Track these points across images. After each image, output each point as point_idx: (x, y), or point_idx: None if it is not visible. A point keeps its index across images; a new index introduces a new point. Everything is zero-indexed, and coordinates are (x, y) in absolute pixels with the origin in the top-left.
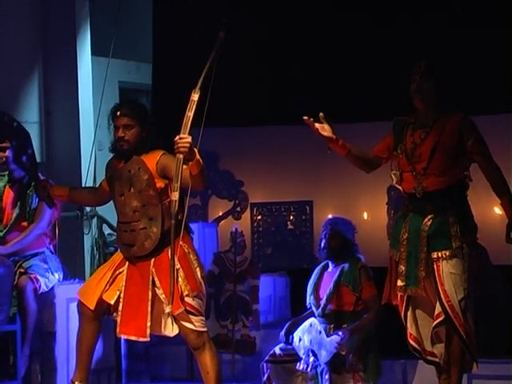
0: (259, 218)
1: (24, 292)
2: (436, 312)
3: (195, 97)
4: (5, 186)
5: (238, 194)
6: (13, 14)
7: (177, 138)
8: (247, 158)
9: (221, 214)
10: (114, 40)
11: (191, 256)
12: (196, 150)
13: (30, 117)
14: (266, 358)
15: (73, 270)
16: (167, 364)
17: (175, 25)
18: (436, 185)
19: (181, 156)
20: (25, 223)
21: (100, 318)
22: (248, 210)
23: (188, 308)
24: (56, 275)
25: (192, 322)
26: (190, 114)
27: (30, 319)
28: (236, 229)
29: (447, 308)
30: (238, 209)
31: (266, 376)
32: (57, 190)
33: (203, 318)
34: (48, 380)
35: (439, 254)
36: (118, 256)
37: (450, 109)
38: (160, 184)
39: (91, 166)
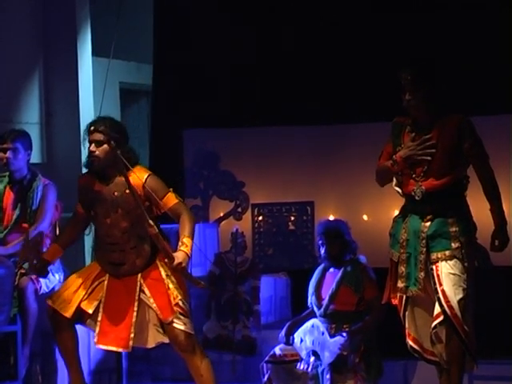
0: (260, 218)
1: (25, 293)
2: (435, 312)
3: (154, 230)
4: (5, 187)
5: (239, 194)
6: (13, 14)
7: (171, 265)
8: (248, 159)
9: (222, 214)
10: (114, 41)
11: None
12: (187, 251)
13: (31, 118)
14: (267, 358)
15: (73, 271)
16: (168, 365)
17: (176, 25)
18: (435, 186)
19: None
20: (25, 224)
21: (74, 324)
22: (249, 210)
23: (180, 311)
24: (56, 276)
25: (184, 324)
26: (163, 244)
27: (31, 320)
28: (237, 229)
29: (446, 308)
30: (239, 209)
31: (266, 377)
32: (51, 256)
33: (191, 321)
34: (49, 381)
35: (438, 255)
36: (95, 266)
37: (449, 110)
38: (146, 203)
39: None
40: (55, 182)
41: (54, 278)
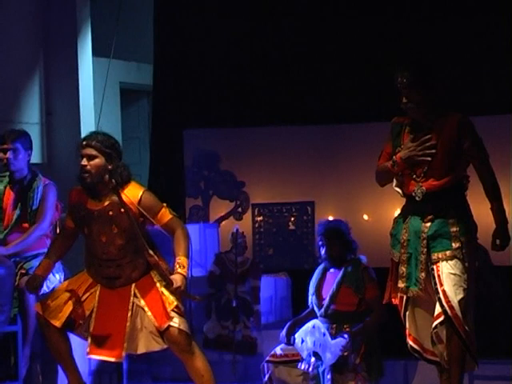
0: (260, 218)
1: (25, 293)
2: (436, 312)
3: (154, 259)
4: (5, 187)
5: (240, 194)
6: (14, 14)
7: (170, 289)
8: (249, 159)
9: (222, 214)
10: (114, 41)
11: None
12: (184, 273)
13: (31, 118)
14: (267, 358)
15: (73, 271)
16: (168, 365)
17: (176, 25)
18: (435, 187)
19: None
20: (26, 224)
21: (65, 330)
22: (249, 210)
23: (177, 311)
24: (57, 276)
25: (180, 324)
26: (162, 271)
27: (31, 320)
28: (237, 229)
29: (447, 308)
30: (240, 209)
31: (267, 376)
32: (43, 271)
33: (187, 322)
34: (49, 381)
35: (439, 255)
36: (86, 276)
37: (449, 110)
38: (141, 219)
39: None
40: (55, 182)
41: (55, 278)
